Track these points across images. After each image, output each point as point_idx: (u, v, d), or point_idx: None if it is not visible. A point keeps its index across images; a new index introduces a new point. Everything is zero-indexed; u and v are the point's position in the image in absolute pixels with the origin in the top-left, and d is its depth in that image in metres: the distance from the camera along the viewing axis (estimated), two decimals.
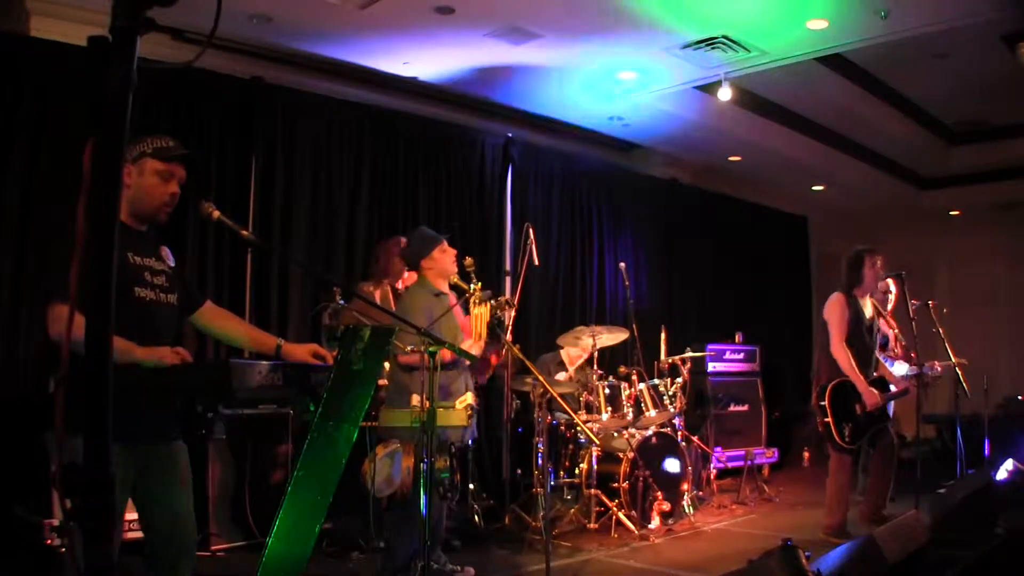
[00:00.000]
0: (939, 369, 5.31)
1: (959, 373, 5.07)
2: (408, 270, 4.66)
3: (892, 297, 5.64)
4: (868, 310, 5.08)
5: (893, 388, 5.02)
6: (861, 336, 4.99)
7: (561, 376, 5.96)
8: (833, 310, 5.01)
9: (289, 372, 2.60)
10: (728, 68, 6.25)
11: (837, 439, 4.84)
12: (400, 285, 5.13)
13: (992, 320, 10.04)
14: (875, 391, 4.83)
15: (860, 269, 5.05)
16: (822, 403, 4.88)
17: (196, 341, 4.78)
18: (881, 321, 5.22)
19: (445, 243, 4.24)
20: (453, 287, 4.24)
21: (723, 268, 9.30)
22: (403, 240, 5.11)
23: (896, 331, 5.67)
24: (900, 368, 5.46)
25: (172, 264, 2.64)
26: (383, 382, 4.31)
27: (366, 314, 4.33)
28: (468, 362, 4.09)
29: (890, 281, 5.12)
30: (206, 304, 2.80)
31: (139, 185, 2.48)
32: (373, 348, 2.78)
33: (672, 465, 5.57)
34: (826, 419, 4.85)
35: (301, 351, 2.69)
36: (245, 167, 5.73)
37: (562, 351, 6.14)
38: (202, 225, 5.26)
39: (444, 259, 4.20)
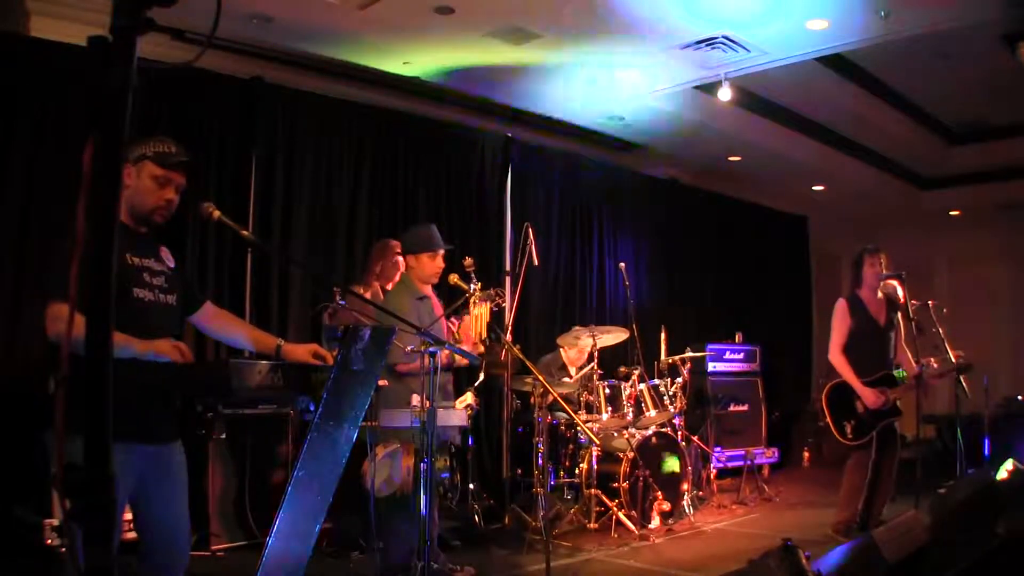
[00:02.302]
0: (935, 366, 5.29)
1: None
2: (400, 255, 4.65)
3: (901, 299, 5.61)
4: (881, 307, 5.10)
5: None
6: (870, 337, 5.02)
7: (567, 380, 5.89)
8: (834, 317, 5.14)
9: (289, 372, 2.60)
10: (728, 68, 6.24)
11: (838, 436, 4.94)
12: (390, 287, 5.13)
13: (992, 320, 10.03)
14: (873, 391, 4.84)
15: (859, 270, 5.14)
16: (821, 404, 5.02)
17: (196, 341, 4.78)
18: (899, 315, 5.22)
19: (440, 254, 4.19)
20: (453, 287, 4.23)
21: (723, 268, 9.30)
22: (395, 243, 5.10)
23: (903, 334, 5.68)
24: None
25: (172, 265, 2.63)
26: (383, 382, 4.31)
27: (366, 314, 4.33)
28: (467, 362, 4.08)
29: (895, 283, 5.12)
30: (206, 305, 2.80)
31: (136, 186, 2.48)
32: (373, 348, 2.79)
33: (672, 465, 5.57)
34: (825, 419, 4.99)
35: (301, 351, 2.69)
36: (245, 167, 5.73)
37: (562, 352, 6.13)
38: (202, 225, 5.26)
39: (429, 266, 4.16)
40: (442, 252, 4.20)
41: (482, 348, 4.26)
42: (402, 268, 5.02)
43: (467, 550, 4.86)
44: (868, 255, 5.13)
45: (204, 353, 5.09)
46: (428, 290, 4.22)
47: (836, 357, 5.01)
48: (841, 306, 5.11)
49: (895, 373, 5.03)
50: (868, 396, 4.84)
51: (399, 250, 5.04)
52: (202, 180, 5.31)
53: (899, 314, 5.16)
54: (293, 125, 5.95)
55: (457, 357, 3.93)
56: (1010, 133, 8.50)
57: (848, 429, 4.91)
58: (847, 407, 4.92)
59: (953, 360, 4.98)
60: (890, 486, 5.03)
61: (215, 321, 2.82)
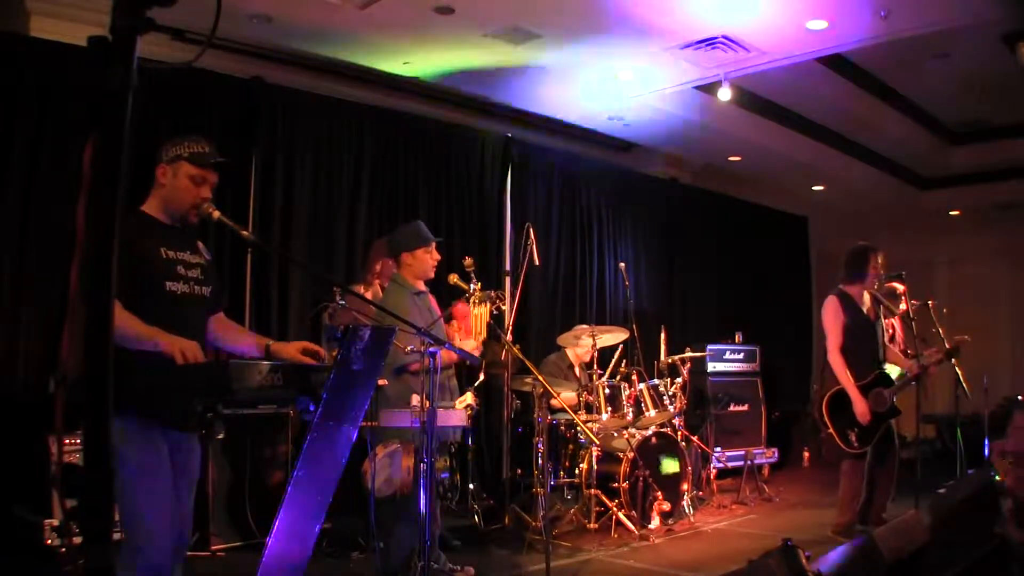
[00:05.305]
0: (938, 356, 5.24)
1: (958, 373, 5.05)
2: (389, 257, 4.62)
3: (902, 299, 5.55)
4: (866, 305, 5.05)
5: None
6: (861, 336, 4.95)
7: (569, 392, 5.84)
8: (827, 316, 4.98)
9: (289, 372, 2.61)
10: (728, 68, 6.25)
11: (843, 447, 4.82)
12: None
13: (992, 320, 10.04)
14: (863, 402, 4.75)
15: (865, 265, 4.98)
16: (821, 414, 4.88)
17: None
18: (887, 322, 5.17)
19: (434, 246, 4.20)
20: (452, 287, 4.23)
21: (723, 268, 9.30)
22: None
23: (900, 334, 5.66)
24: (892, 371, 5.38)
25: (208, 258, 2.72)
26: (383, 382, 4.31)
27: (366, 314, 4.33)
28: (469, 362, 4.08)
29: (896, 284, 5.09)
30: (220, 314, 2.86)
31: (172, 186, 2.56)
32: (373, 348, 2.79)
33: (671, 465, 5.57)
34: (828, 430, 4.85)
35: (291, 349, 2.71)
36: (245, 167, 5.72)
37: (568, 351, 6.11)
38: (202, 225, 5.24)
39: (426, 260, 4.14)
40: (435, 244, 4.20)
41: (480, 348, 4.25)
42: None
43: (467, 550, 4.85)
44: (873, 253, 5.00)
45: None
46: (422, 286, 4.21)
47: (835, 358, 4.87)
48: (832, 303, 4.97)
49: (888, 372, 5.00)
50: (859, 406, 4.74)
51: None
52: None
53: (886, 320, 5.10)
54: (293, 125, 5.95)
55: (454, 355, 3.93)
56: (1010, 133, 8.51)
57: (852, 437, 4.79)
58: (849, 415, 4.80)
59: (948, 346, 4.96)
60: (890, 486, 5.01)
61: (223, 331, 2.87)
